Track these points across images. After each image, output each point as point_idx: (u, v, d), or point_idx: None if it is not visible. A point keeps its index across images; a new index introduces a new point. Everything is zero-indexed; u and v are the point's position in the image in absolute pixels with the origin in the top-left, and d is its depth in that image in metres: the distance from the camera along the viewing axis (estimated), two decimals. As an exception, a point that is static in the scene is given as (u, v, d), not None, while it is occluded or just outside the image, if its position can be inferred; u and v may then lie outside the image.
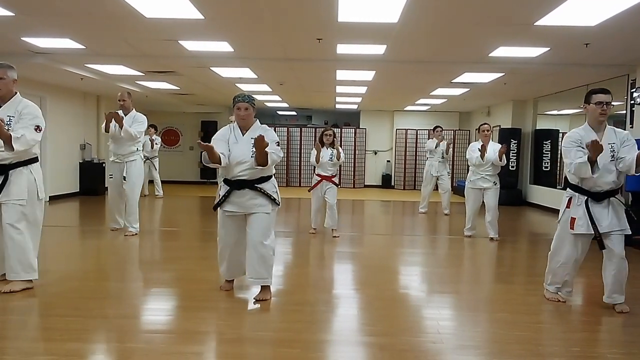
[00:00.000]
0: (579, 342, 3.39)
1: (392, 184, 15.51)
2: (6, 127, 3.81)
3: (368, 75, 8.86)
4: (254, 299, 3.98)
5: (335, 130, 10.86)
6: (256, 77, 9.21)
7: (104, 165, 11.67)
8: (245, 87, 10.48)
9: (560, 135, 11.75)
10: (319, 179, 6.92)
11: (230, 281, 4.27)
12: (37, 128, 3.99)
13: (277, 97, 12.70)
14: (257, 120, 4.03)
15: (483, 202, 6.94)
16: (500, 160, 6.69)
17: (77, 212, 9.63)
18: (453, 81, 9.18)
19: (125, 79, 9.57)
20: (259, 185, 3.89)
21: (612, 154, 3.78)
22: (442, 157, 9.44)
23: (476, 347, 3.24)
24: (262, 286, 4.01)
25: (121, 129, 6.30)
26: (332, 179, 6.91)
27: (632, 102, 7.39)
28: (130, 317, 3.69)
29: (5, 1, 4.97)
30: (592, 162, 3.66)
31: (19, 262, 4.00)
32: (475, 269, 5.90)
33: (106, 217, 8.56)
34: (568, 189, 4.00)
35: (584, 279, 4.81)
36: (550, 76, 8.50)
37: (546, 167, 11.42)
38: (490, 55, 6.87)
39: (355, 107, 15.12)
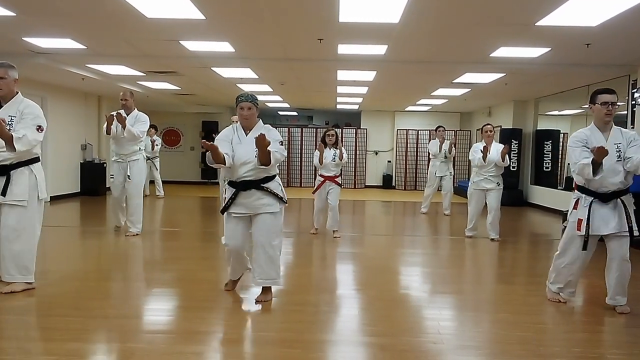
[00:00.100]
0: (580, 343, 3.39)
1: (393, 184, 15.50)
2: (7, 127, 3.79)
3: (369, 75, 8.86)
4: (255, 299, 3.97)
5: (337, 130, 10.83)
6: (257, 77, 9.21)
7: (105, 165, 11.69)
8: (246, 88, 10.48)
9: (562, 135, 11.74)
10: (322, 179, 6.89)
11: (236, 280, 4.26)
12: (39, 128, 3.97)
13: (278, 98, 12.71)
14: (260, 120, 3.98)
15: (485, 202, 6.94)
16: (503, 161, 6.68)
17: (78, 213, 9.64)
18: (454, 81, 9.17)
19: (126, 79, 9.58)
20: (264, 185, 3.86)
21: (618, 154, 3.76)
22: (445, 157, 9.44)
23: (477, 347, 3.24)
24: (263, 287, 4.00)
25: (124, 129, 6.30)
26: (336, 179, 6.89)
27: (634, 102, 7.38)
28: (130, 317, 3.69)
29: (6, 1, 4.97)
30: (597, 164, 3.65)
31: (15, 264, 3.98)
32: (476, 269, 5.89)
33: (107, 217, 8.59)
34: (576, 190, 3.99)
35: (585, 280, 4.80)
36: (551, 76, 8.49)
37: (547, 168, 11.40)
38: (491, 55, 6.86)
39: (356, 107, 15.12)
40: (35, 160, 4.09)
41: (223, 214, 3.97)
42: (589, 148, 3.73)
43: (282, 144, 3.86)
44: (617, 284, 3.85)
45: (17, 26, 5.86)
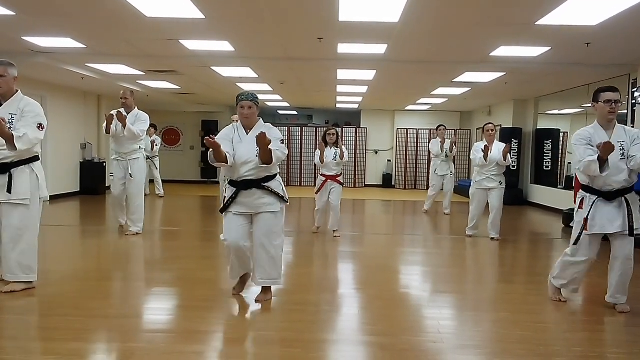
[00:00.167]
0: (581, 342, 3.39)
1: (393, 183, 15.50)
2: (8, 126, 3.77)
3: (369, 74, 8.86)
4: (255, 299, 3.96)
5: (337, 129, 10.82)
6: (257, 76, 9.20)
7: (104, 164, 11.68)
8: (246, 87, 10.46)
9: (562, 134, 11.74)
10: (324, 179, 6.88)
11: (243, 283, 4.14)
12: (40, 126, 3.95)
13: (278, 97, 12.71)
14: (261, 119, 3.95)
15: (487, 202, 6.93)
16: (505, 160, 6.68)
17: (78, 212, 9.64)
18: (454, 81, 9.17)
19: (126, 78, 9.58)
20: (266, 184, 3.83)
21: (622, 152, 3.75)
22: (446, 156, 9.43)
23: (477, 346, 3.24)
24: (263, 286, 3.99)
25: (124, 128, 6.30)
26: (337, 179, 6.87)
27: (634, 101, 7.38)
28: (131, 316, 3.69)
29: (6, 1, 4.97)
30: (602, 161, 3.65)
31: (18, 263, 3.97)
32: (477, 268, 5.89)
33: (107, 217, 8.59)
34: (581, 190, 3.99)
35: (585, 279, 4.77)
36: (551, 76, 8.49)
37: (547, 167, 11.40)
38: (491, 54, 6.86)
39: (356, 106, 15.11)
40: (36, 159, 4.08)
41: (222, 212, 3.94)
42: (593, 146, 3.72)
43: (283, 143, 3.83)
44: (619, 282, 3.84)
45: (16, 25, 5.86)
